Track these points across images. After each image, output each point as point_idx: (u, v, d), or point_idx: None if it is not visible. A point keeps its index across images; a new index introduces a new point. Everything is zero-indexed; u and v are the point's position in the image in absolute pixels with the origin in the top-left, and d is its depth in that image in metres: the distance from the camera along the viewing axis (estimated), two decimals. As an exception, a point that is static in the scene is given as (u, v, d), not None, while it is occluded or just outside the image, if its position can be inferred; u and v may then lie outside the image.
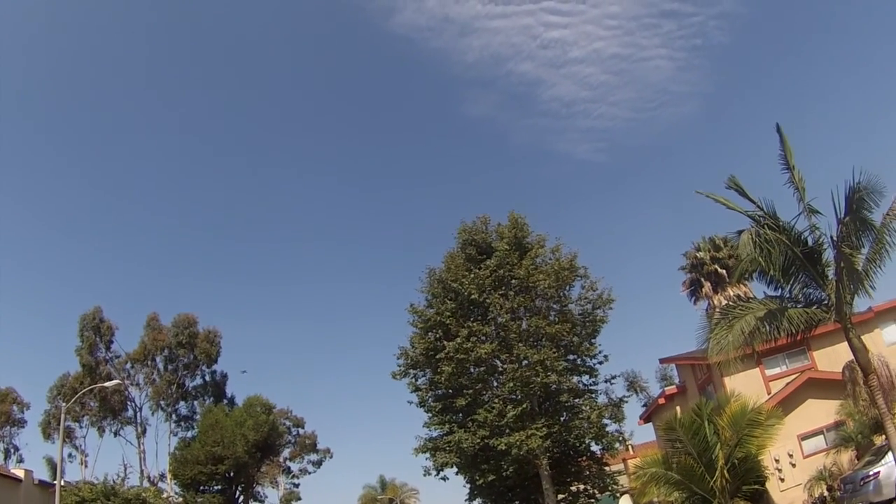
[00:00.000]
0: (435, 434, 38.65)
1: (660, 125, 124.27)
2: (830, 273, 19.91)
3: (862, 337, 20.89)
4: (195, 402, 68.41)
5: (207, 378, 69.03)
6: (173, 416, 66.83)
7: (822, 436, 34.69)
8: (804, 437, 34.81)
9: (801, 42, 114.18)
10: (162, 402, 65.88)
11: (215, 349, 67.38)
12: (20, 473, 44.18)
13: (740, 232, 20.40)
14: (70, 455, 64.08)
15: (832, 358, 33.72)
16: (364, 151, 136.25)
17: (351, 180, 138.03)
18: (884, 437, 22.34)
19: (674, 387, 47.00)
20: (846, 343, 20.32)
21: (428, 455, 37.91)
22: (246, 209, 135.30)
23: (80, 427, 65.15)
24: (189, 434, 65.41)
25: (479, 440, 35.29)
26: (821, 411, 34.44)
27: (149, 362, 65.93)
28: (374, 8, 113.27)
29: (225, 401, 67.10)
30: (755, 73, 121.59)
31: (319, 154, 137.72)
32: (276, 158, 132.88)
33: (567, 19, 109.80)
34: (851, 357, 20.46)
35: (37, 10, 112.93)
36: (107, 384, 49.38)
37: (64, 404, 45.89)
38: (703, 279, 55.91)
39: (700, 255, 56.32)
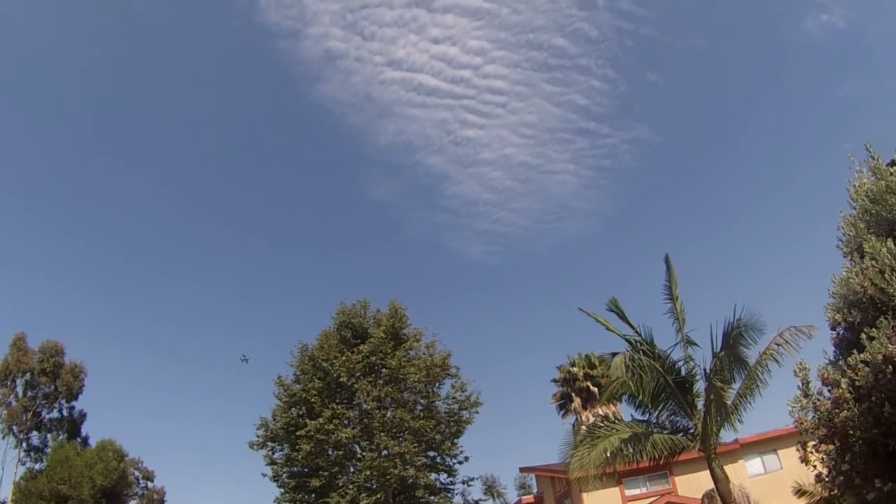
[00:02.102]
0: (286, 511, 36.16)
1: (556, 238, 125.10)
2: (700, 404, 19.21)
3: (726, 467, 20.35)
4: (48, 435, 63.43)
5: (65, 413, 64.12)
6: (24, 444, 61.60)
7: (678, 559, 33.55)
8: (660, 559, 33.55)
9: (704, 175, 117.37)
10: (14, 428, 60.76)
11: (78, 384, 62.60)
12: None
13: (615, 354, 19.71)
14: (-89, 464, 58.28)
15: (693, 484, 32.80)
16: (259, 208, 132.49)
17: (239, 235, 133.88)
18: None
19: (531, 496, 45.56)
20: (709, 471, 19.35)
21: (277, 531, 35.47)
22: (149, 247, 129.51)
23: (-73, 437, 59.50)
24: (37, 466, 60.51)
25: (329, 524, 33.09)
26: (678, 535, 33.32)
27: (8, 383, 60.99)
28: (301, 73, 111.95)
29: (78, 440, 62.46)
30: (656, 201, 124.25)
31: (215, 201, 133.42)
32: (171, 202, 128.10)
33: (483, 120, 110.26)
34: (713, 485, 19.52)
35: None
36: (-40, 397, 45.17)
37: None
38: (573, 394, 54.83)
39: (574, 370, 55.37)
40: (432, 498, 36.08)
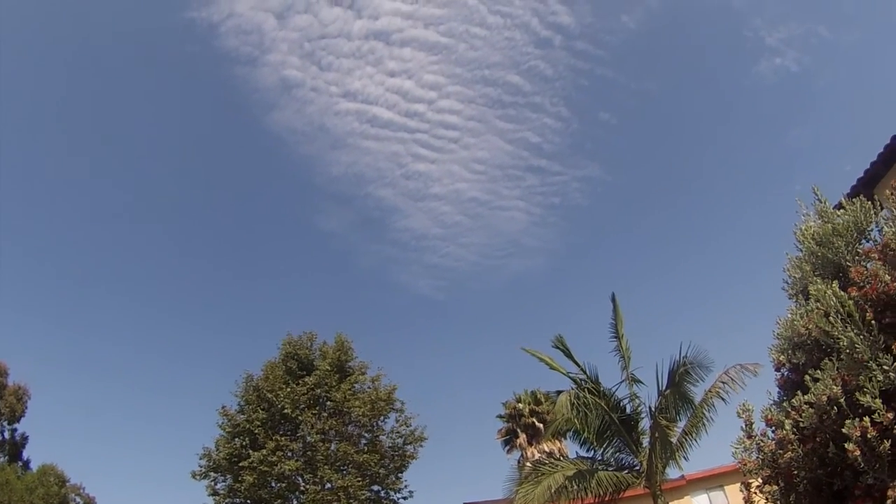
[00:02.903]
0: (227, 543, 35.42)
1: (504, 274, 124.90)
2: (645, 441, 19.33)
3: (672, 503, 20.15)
4: (-11, 457, 61.42)
5: (7, 435, 62.15)
6: (-36, 465, 59.62)
7: None
8: None
9: (654, 214, 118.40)
10: (-46, 449, 58.78)
11: (21, 407, 60.66)
12: None
13: (560, 392, 19.81)
14: None
15: (639, 520, 32.69)
16: (206, 233, 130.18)
17: (186, 259, 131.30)
18: None
19: (475, 533, 45.03)
20: (655, 507, 19.44)
21: (216, 564, 34.72)
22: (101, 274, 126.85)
23: None
24: (-23, 487, 58.55)
25: (271, 557, 32.51)
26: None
27: (-52, 403, 59.02)
28: (256, 100, 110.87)
29: (20, 463, 60.61)
30: (605, 239, 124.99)
31: (162, 223, 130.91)
32: (118, 224, 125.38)
33: (436, 155, 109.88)
34: (658, 521, 19.50)
35: None
36: None
37: None
38: (519, 430, 54.64)
39: (520, 405, 55.21)
40: (376, 533, 35.48)
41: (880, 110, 75.19)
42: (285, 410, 34.63)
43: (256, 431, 34.71)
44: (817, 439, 9.82)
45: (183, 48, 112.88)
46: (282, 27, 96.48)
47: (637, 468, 19.50)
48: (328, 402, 35.59)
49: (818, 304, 10.42)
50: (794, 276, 12.20)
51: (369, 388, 37.01)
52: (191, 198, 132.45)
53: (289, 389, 35.06)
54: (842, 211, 11.64)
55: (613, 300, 21.13)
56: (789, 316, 11.63)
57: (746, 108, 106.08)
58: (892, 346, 9.06)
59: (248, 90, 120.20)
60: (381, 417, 36.75)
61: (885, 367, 9.01)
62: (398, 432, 36.81)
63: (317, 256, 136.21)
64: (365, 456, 34.60)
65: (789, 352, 11.46)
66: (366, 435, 36.53)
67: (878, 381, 9.03)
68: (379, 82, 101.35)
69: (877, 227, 11.20)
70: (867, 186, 14.57)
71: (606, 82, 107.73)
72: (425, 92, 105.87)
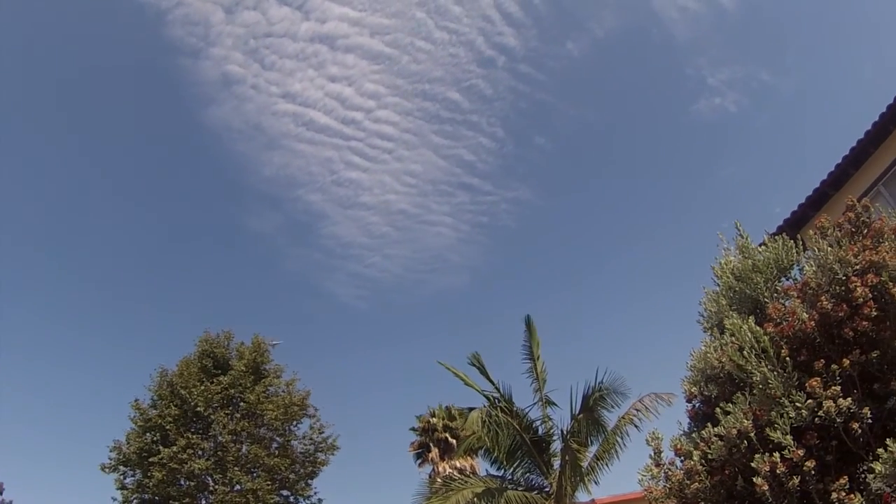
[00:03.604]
0: (132, 540, 34.29)
1: (427, 289, 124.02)
2: (556, 463, 19.25)
3: None
4: None
5: None
6: None
7: None
8: None
9: (581, 242, 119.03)
10: None
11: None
12: None
13: (472, 409, 19.72)
14: None
15: (547, 542, 32.52)
16: (131, 224, 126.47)
17: (106, 249, 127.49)
18: None
19: (379, 544, 44.61)
20: (563, 529, 19.38)
21: (118, 563, 33.55)
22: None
23: None
24: None
25: (176, 556, 31.60)
26: None
27: None
28: (194, 94, 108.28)
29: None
30: (530, 262, 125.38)
31: (82, 212, 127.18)
32: (31, 211, 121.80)
33: (368, 164, 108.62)
34: (567, 543, 19.45)
35: None
36: None
37: None
38: (432, 444, 54.23)
39: (433, 420, 54.82)
40: (283, 538, 34.99)
41: (812, 156, 77.38)
42: (198, 408, 33.81)
43: (168, 427, 33.69)
44: (726, 472, 9.72)
45: (127, 35, 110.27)
46: (229, 21, 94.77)
47: (547, 489, 19.41)
48: (241, 403, 34.86)
49: (733, 338, 10.38)
50: (710, 310, 12.15)
51: (283, 391, 36.47)
52: (113, 186, 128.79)
53: (203, 387, 34.23)
54: (763, 248, 11.64)
55: (528, 323, 21.15)
56: (703, 348, 11.56)
57: (681, 145, 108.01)
58: (806, 384, 9.01)
59: (187, 82, 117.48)
60: (294, 422, 36.20)
61: (797, 404, 8.96)
62: (311, 438, 36.32)
63: (240, 256, 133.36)
64: (276, 460, 34.03)
65: (702, 384, 11.39)
66: (277, 439, 35.88)
67: (790, 418, 8.99)
68: (319, 86, 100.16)
69: (798, 266, 11.23)
70: (793, 228, 14.75)
71: (545, 107, 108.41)
72: (364, 100, 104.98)
